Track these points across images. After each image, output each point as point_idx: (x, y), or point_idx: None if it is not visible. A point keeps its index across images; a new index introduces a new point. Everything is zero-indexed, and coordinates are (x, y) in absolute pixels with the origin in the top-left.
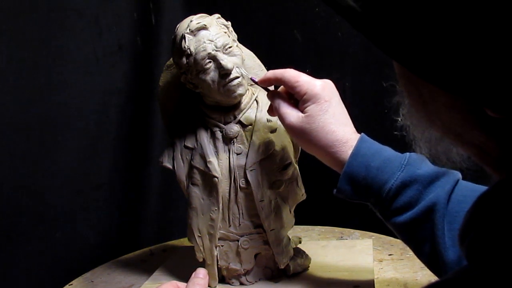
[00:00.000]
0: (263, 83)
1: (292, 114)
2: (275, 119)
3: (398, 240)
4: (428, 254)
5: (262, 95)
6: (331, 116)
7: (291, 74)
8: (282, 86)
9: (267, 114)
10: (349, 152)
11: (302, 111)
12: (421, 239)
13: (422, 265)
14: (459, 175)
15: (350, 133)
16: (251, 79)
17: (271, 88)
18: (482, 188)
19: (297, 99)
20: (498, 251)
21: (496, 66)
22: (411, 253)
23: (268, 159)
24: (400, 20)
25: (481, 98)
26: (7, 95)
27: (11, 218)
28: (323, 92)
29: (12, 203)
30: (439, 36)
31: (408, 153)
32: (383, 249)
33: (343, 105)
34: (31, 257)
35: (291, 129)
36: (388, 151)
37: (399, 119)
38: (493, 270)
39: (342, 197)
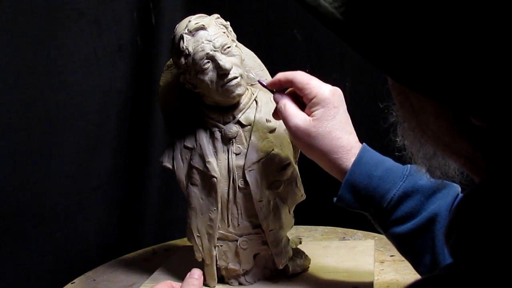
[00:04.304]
0: (273, 86)
1: (298, 116)
2: (274, 119)
3: None
4: (428, 265)
5: (261, 95)
6: (338, 123)
7: (302, 76)
8: (288, 89)
9: (266, 114)
10: (352, 160)
11: (309, 115)
12: (421, 250)
13: None
14: (459, 188)
15: (354, 141)
16: (259, 82)
17: None
18: None
19: (304, 103)
20: (481, 248)
21: (479, 74)
22: None
23: (267, 159)
24: (383, 29)
25: (464, 105)
26: (7, 95)
27: (11, 218)
28: (333, 98)
29: (12, 203)
30: (423, 44)
31: (409, 164)
32: (385, 250)
33: (348, 115)
34: (32, 256)
35: (296, 131)
36: (390, 161)
37: (398, 140)
38: (476, 267)
39: (342, 205)
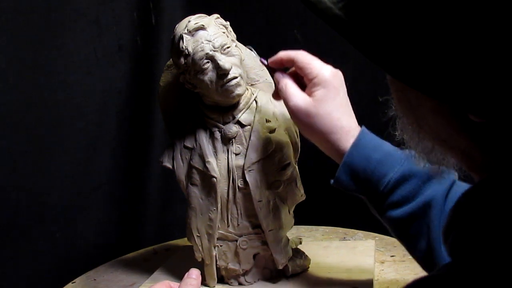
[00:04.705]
0: (275, 64)
1: (299, 95)
2: (274, 119)
3: None
4: (423, 250)
5: (261, 95)
6: (338, 104)
7: (304, 55)
8: (289, 70)
9: (266, 114)
10: (351, 141)
11: (310, 95)
12: (416, 235)
13: None
14: (455, 175)
15: (354, 124)
16: (260, 60)
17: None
18: None
19: (305, 83)
20: (479, 248)
21: (477, 71)
22: None
23: (267, 159)
24: (381, 25)
25: (463, 102)
26: (7, 95)
27: (11, 218)
28: (334, 79)
29: (12, 203)
30: (421, 42)
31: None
32: (385, 250)
33: (348, 98)
34: (32, 256)
35: (296, 110)
36: (388, 146)
37: (397, 134)
38: (475, 267)
39: (339, 187)
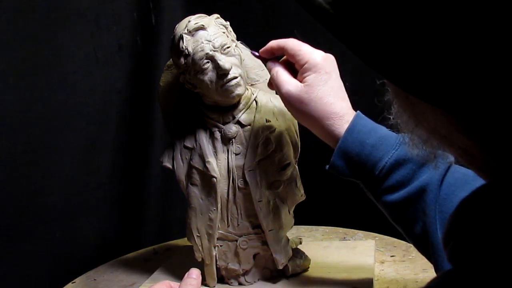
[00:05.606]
0: (265, 53)
1: (290, 82)
2: (274, 119)
3: (402, 242)
4: (419, 234)
5: (261, 95)
6: (330, 88)
7: (294, 42)
8: (282, 58)
9: (266, 114)
10: (345, 126)
11: (301, 81)
12: (411, 219)
13: (424, 267)
14: (452, 158)
15: (347, 108)
16: (251, 52)
17: None
18: (473, 174)
19: (297, 70)
20: (481, 256)
21: (476, 75)
22: (413, 254)
23: (267, 159)
24: (374, 26)
25: (459, 105)
26: (7, 95)
27: (11, 218)
28: (325, 63)
29: (12, 203)
30: (413, 43)
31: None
32: (385, 250)
33: (341, 81)
34: (32, 256)
35: (288, 97)
36: (383, 130)
37: (391, 118)
38: (476, 275)
39: (335, 173)
